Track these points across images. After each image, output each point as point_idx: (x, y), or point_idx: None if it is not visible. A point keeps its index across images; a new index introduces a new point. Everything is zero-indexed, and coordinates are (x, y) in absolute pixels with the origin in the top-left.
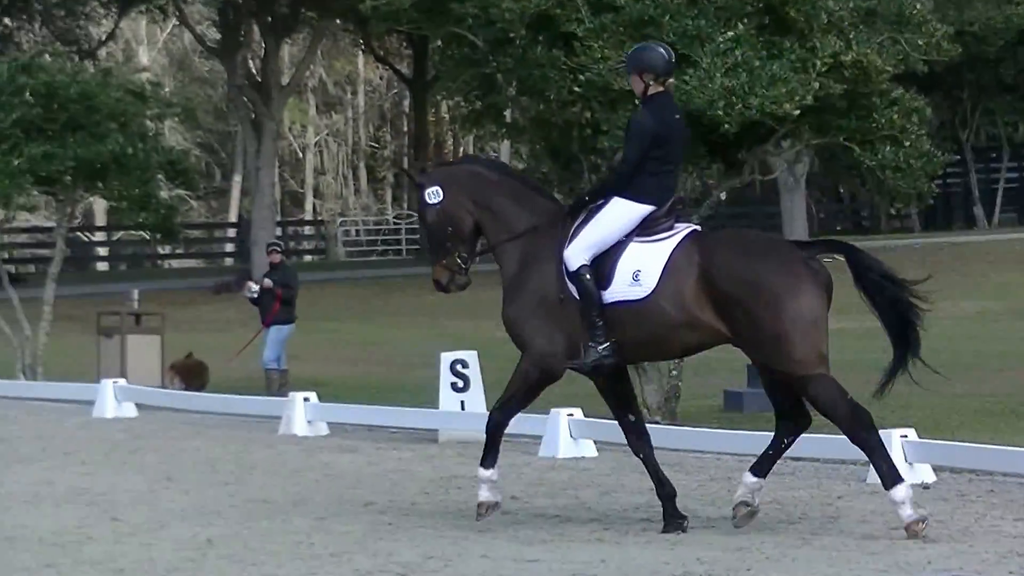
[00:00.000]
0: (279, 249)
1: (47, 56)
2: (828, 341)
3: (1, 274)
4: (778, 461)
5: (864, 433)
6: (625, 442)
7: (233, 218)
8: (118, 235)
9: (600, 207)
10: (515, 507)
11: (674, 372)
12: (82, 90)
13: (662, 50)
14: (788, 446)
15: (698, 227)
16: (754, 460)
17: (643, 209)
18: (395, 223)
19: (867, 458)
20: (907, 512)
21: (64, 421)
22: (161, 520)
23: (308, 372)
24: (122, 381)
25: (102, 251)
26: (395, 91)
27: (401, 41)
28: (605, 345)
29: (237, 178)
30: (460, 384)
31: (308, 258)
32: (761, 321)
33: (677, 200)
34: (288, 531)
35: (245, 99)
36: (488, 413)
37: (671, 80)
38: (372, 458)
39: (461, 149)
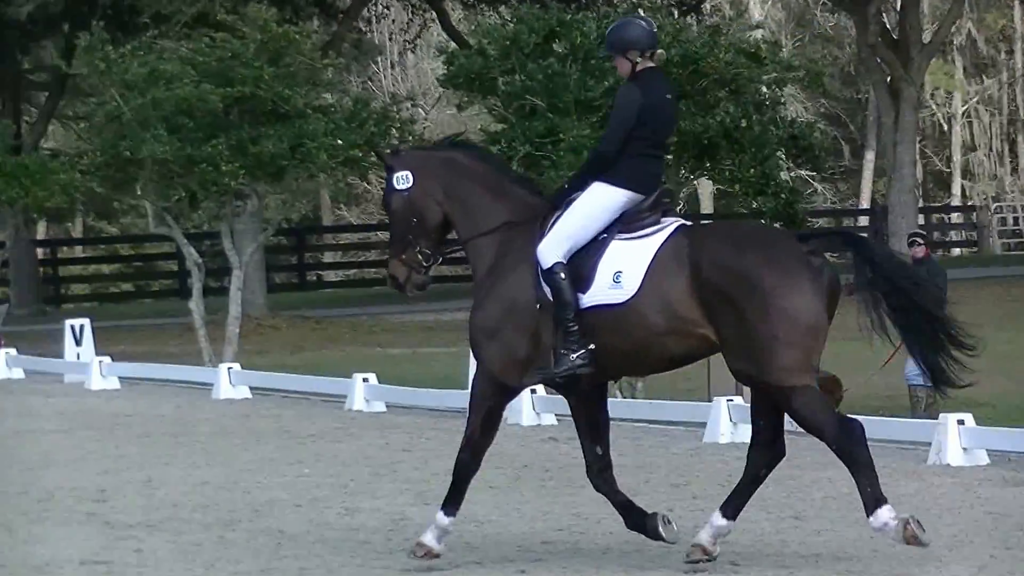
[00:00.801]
0: (923, 241)
1: (640, 11)
2: (822, 349)
3: None
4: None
5: (853, 448)
6: None
7: (866, 204)
8: None
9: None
10: None
11: None
12: (686, 52)
13: (641, 22)
14: (763, 479)
15: (686, 222)
16: (724, 499)
17: (625, 195)
18: None
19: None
20: (891, 533)
21: (671, 447)
22: (788, 567)
23: (964, 390)
24: (738, 399)
25: None
26: None
27: None
28: (580, 353)
29: (870, 156)
30: None
31: (957, 251)
32: (750, 321)
33: (664, 192)
34: None
35: (879, 60)
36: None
37: (660, 52)
38: None
39: None
